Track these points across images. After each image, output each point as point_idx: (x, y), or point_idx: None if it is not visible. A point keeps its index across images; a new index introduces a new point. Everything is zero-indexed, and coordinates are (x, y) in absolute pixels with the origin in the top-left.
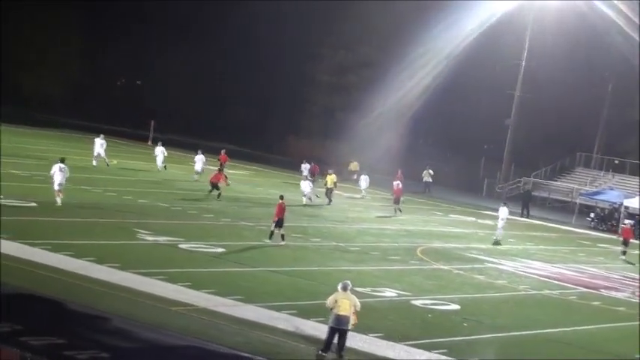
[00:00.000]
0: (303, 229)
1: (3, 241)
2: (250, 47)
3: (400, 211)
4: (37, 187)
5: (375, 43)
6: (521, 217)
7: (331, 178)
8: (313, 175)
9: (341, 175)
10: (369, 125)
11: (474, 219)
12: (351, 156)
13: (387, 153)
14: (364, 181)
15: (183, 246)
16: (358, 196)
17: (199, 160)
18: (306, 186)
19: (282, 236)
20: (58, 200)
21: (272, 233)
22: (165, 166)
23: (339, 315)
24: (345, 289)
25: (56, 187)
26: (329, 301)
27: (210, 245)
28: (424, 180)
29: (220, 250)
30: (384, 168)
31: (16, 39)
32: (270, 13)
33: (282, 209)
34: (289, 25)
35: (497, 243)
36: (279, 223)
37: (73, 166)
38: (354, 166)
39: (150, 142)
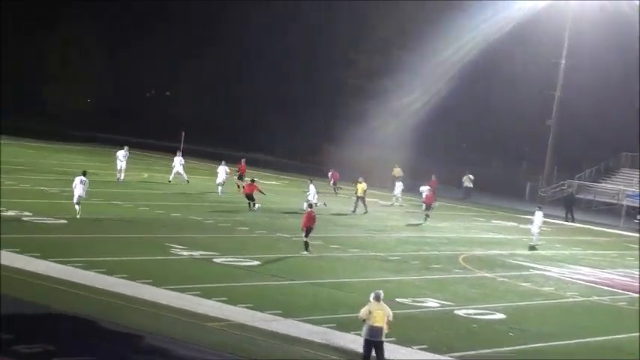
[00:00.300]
0: (340, 240)
1: (34, 260)
2: (280, 53)
3: (428, 217)
4: (66, 204)
5: (410, 45)
6: (566, 221)
7: (361, 187)
8: (335, 183)
9: (383, 182)
10: (406, 130)
11: (516, 224)
12: (392, 162)
13: (427, 158)
14: (398, 187)
15: (217, 260)
16: (396, 203)
17: (222, 171)
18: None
19: (307, 246)
20: (79, 211)
21: (307, 244)
22: (169, 180)
23: (372, 326)
24: (377, 299)
25: (75, 200)
26: (362, 312)
27: (246, 258)
28: (464, 185)
29: (256, 263)
30: (423, 173)
31: (40, 53)
32: (300, 18)
33: (310, 218)
34: (320, 29)
35: (532, 248)
36: (307, 232)
37: (101, 180)
38: (397, 171)
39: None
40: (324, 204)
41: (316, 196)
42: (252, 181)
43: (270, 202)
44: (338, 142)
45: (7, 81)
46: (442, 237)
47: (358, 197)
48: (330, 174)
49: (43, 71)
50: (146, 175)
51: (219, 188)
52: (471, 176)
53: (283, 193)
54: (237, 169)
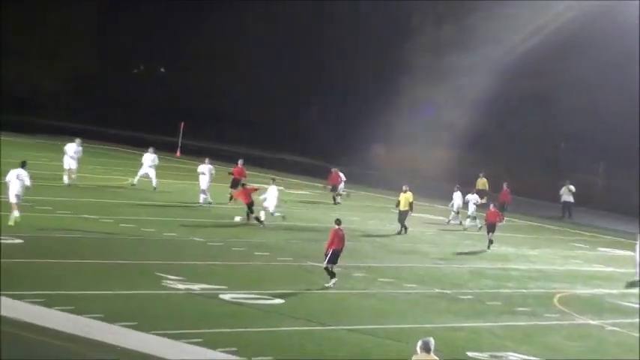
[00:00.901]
0: (394, 271)
1: None
2: (315, 22)
3: (492, 242)
4: (25, 217)
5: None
6: None
7: (406, 198)
8: (335, 189)
9: (434, 190)
10: (484, 126)
11: (631, 253)
12: (476, 167)
13: (515, 163)
14: (471, 204)
15: (225, 296)
16: (467, 223)
17: (206, 171)
18: None
19: (332, 273)
20: (13, 216)
21: (330, 273)
22: (133, 184)
23: None
24: (427, 349)
25: (12, 200)
26: None
27: (264, 295)
28: (562, 199)
29: (278, 301)
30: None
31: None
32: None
33: (337, 238)
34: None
35: (633, 284)
36: (334, 258)
37: (78, 185)
38: (482, 183)
39: (179, 153)
40: (282, 216)
41: (275, 202)
42: (243, 185)
43: (300, 218)
44: (396, 141)
45: None
46: (531, 269)
47: (400, 212)
48: (332, 174)
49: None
50: (131, 180)
51: (203, 197)
52: (572, 187)
53: (318, 206)
54: (229, 172)
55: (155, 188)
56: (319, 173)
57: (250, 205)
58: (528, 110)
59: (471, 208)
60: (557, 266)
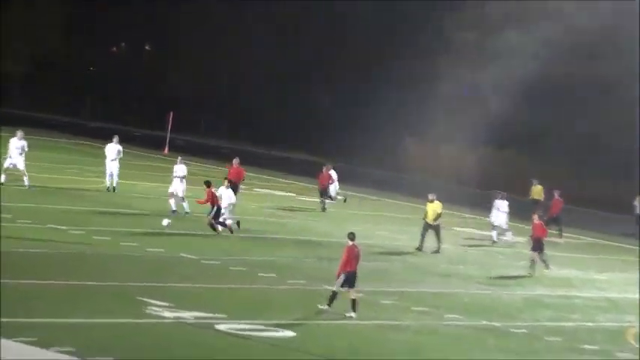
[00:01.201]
0: (431, 298)
1: None
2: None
3: (545, 263)
4: None
5: None
6: None
7: (433, 208)
8: (324, 192)
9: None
10: (537, 120)
11: None
12: (527, 171)
13: (575, 165)
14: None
15: (222, 327)
16: (521, 240)
17: (180, 172)
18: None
19: (354, 304)
20: None
21: (333, 296)
22: (110, 188)
23: None
24: None
25: None
26: None
27: (270, 326)
28: (637, 211)
29: (287, 333)
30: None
31: None
32: None
33: (353, 257)
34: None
35: None
36: (350, 281)
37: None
38: (537, 191)
39: (166, 150)
40: (237, 225)
41: (231, 207)
42: (209, 185)
43: (317, 232)
44: (431, 137)
45: None
46: (599, 297)
47: (426, 224)
48: (322, 172)
49: None
50: (110, 182)
51: (180, 205)
52: None
53: (333, 216)
54: (225, 176)
55: (114, 189)
56: (349, 177)
57: (219, 209)
58: (592, 101)
59: (502, 216)
60: (629, 294)
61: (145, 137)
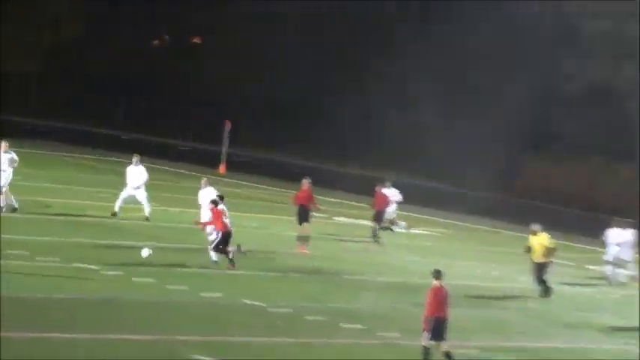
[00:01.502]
0: (559, 355)
1: None
2: None
3: None
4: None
5: None
6: None
7: (540, 242)
8: (378, 217)
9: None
10: None
11: None
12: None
13: None
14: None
15: None
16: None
17: (206, 196)
18: None
19: (449, 357)
20: None
21: (426, 351)
22: (114, 212)
23: None
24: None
25: None
26: None
27: None
28: None
29: None
30: None
31: None
32: None
33: (440, 301)
34: None
35: None
36: (438, 332)
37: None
38: None
39: (223, 168)
40: (244, 252)
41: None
42: (216, 203)
43: (413, 272)
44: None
45: None
46: None
47: (535, 265)
48: (376, 194)
49: None
50: (147, 213)
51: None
52: None
53: (447, 253)
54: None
55: (148, 218)
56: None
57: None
58: None
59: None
60: None
61: (195, 152)
